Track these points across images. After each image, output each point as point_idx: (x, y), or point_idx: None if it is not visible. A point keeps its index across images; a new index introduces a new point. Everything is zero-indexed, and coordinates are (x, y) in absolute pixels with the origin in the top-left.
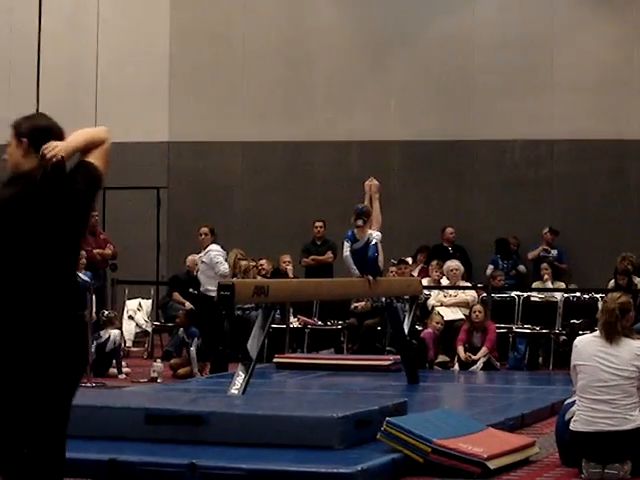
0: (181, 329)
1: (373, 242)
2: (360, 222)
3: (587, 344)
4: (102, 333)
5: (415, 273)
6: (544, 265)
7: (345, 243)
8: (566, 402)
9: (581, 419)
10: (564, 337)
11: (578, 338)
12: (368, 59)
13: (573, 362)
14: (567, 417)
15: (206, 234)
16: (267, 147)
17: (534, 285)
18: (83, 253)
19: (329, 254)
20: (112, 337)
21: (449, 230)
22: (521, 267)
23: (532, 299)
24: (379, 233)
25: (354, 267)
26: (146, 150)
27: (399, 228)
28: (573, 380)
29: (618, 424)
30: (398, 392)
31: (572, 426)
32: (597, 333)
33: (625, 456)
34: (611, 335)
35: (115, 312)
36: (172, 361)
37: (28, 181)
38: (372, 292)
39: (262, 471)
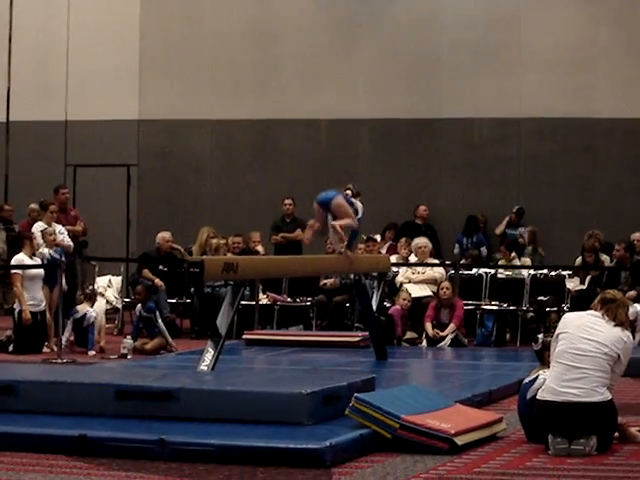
0: (139, 305)
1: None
2: (348, 192)
3: (579, 317)
4: (79, 308)
5: (383, 250)
6: (502, 247)
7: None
8: (525, 381)
9: (548, 388)
10: (531, 314)
11: (569, 313)
12: (336, 38)
13: (558, 331)
14: (529, 396)
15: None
16: (236, 125)
17: (501, 262)
18: (51, 229)
19: (298, 232)
20: (89, 313)
21: (422, 207)
22: (483, 249)
23: (499, 276)
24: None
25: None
26: (116, 128)
27: (367, 206)
28: (552, 350)
29: (585, 395)
30: (366, 368)
31: (539, 395)
32: (592, 312)
33: (590, 430)
34: (609, 312)
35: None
36: (136, 344)
37: None
38: (341, 269)
39: (231, 447)
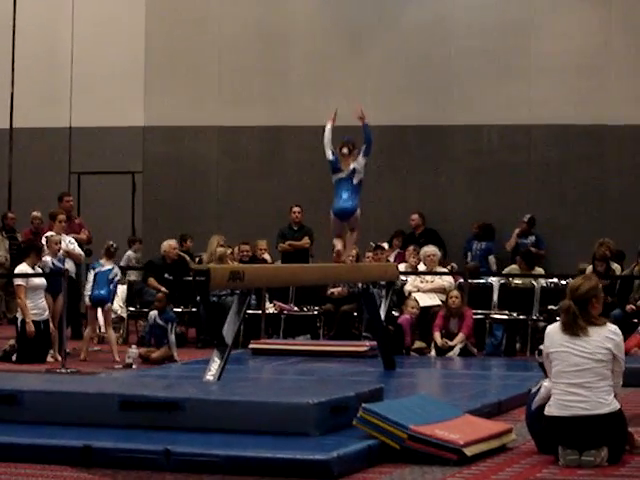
0: (154, 312)
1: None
2: (345, 150)
3: (556, 332)
4: (103, 262)
5: (391, 258)
6: (518, 258)
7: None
8: (532, 391)
9: (556, 403)
10: (543, 323)
11: (549, 326)
12: (345, 44)
13: (545, 350)
14: (533, 407)
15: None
16: (243, 132)
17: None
18: (56, 238)
19: (306, 239)
20: (115, 270)
21: (413, 217)
22: (491, 259)
23: (509, 285)
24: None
25: (329, 151)
26: (121, 135)
27: (375, 213)
28: (547, 368)
29: (593, 408)
30: (374, 378)
31: (547, 411)
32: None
33: (601, 442)
34: (575, 331)
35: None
36: (141, 350)
37: None
38: (348, 277)
39: (237, 457)
